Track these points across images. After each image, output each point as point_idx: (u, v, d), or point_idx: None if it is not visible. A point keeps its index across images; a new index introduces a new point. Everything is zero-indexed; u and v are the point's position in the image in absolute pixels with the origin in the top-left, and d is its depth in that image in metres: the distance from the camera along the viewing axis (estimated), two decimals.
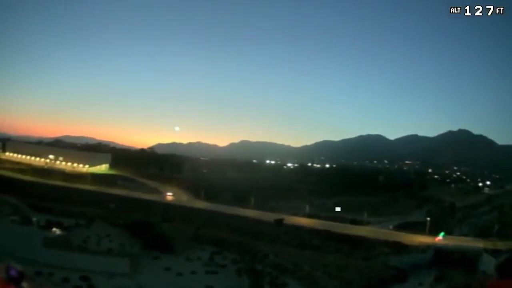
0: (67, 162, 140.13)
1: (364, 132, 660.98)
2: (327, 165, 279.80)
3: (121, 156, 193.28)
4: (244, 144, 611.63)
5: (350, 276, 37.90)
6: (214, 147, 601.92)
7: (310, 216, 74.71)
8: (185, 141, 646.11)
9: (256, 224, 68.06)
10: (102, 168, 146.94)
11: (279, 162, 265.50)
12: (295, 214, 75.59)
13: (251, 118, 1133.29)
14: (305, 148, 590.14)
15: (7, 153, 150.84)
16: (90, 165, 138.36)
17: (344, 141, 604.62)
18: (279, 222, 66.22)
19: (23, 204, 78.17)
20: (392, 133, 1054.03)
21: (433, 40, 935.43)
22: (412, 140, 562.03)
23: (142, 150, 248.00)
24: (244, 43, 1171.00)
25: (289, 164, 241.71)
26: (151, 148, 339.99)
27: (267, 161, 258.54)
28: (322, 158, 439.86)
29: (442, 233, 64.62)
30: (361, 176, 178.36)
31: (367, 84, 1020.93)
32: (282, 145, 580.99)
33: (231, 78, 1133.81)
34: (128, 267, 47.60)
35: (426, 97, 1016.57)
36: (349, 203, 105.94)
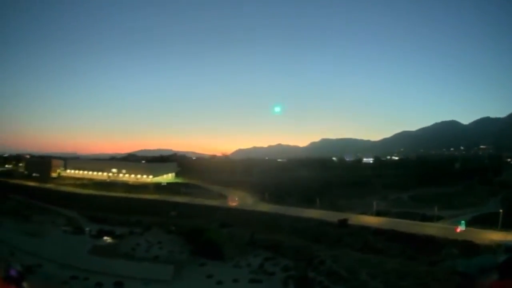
0: (130, 174, 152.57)
1: (438, 119, 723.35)
2: (402, 157, 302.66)
3: (191, 165, 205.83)
4: (324, 142, 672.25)
5: (409, 286, 33.42)
6: (295, 148, 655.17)
7: (379, 213, 68.97)
8: (265, 144, 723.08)
9: (319, 226, 65.61)
10: (168, 177, 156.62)
11: (359, 157, 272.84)
12: (364, 213, 70.27)
13: (330, 116, 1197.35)
14: (385, 141, 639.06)
15: (68, 171, 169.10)
16: (154, 175, 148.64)
17: (421, 130, 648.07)
18: (343, 223, 62.39)
19: (80, 215, 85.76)
20: (466, 117, 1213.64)
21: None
22: (484, 123, 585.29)
23: (213, 156, 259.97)
24: (321, 45, 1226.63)
25: (365, 159, 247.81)
26: (229, 155, 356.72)
27: (347, 158, 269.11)
28: (402, 149, 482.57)
29: None
30: (437, 166, 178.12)
31: (437, 70, 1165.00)
32: (362, 140, 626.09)
33: (309, 79, 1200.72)
34: (170, 274, 48.12)
35: (494, 76, 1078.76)
36: (424, 195, 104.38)
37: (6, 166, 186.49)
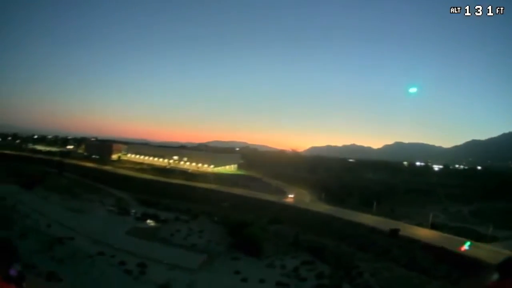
0: (191, 162, 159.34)
1: (506, 129, 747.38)
2: (470, 167, 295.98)
3: (258, 158, 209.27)
4: (397, 145, 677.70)
5: None
6: (368, 149, 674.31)
7: (435, 226, 63.14)
8: (339, 143, 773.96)
9: (369, 233, 62.45)
10: (230, 168, 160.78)
11: (429, 163, 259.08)
12: (420, 224, 64.99)
13: (405, 120, 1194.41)
14: (456, 149, 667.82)
15: (128, 155, 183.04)
16: (215, 166, 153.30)
17: (490, 140, 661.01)
18: (394, 233, 58.56)
19: (131, 198, 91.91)
20: None
21: None
22: None
23: (281, 151, 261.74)
24: (399, 51, 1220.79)
25: (434, 166, 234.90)
26: (301, 152, 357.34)
27: (417, 163, 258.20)
28: (470, 159, 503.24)
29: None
30: (506, 179, 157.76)
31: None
32: (433, 146, 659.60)
33: (384, 82, 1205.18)
34: (198, 264, 49.59)
35: None
36: (485, 211, 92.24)
37: (68, 147, 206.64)
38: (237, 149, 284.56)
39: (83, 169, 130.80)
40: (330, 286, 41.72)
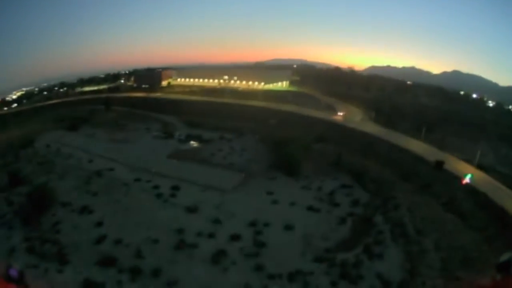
0: (242, 81, 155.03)
1: None
2: None
3: (311, 74, 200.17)
4: (455, 74, 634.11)
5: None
6: (427, 74, 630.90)
7: (482, 167, 54.42)
8: (400, 65, 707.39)
9: (414, 162, 56.23)
10: (282, 85, 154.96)
11: (485, 98, 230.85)
12: (468, 160, 56.90)
13: (464, 49, 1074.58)
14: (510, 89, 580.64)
15: (178, 79, 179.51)
16: (266, 83, 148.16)
17: None
18: (439, 166, 51.99)
19: (179, 121, 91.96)
20: None
21: None
22: None
23: (337, 68, 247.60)
24: None
25: (490, 102, 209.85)
26: (360, 70, 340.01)
27: (474, 95, 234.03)
28: None
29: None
30: None
31: None
32: (490, 82, 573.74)
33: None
34: (233, 184, 48.78)
35: None
36: None
37: (118, 81, 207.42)
38: (295, 66, 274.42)
39: (132, 100, 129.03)
40: (362, 216, 39.23)
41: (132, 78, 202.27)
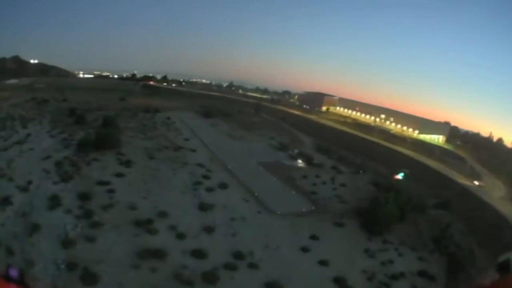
0: (397, 124, 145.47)
1: None
2: None
3: (472, 141, 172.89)
4: None
5: None
6: None
7: None
8: None
9: None
10: (438, 139, 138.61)
11: None
12: None
13: None
14: None
15: (337, 108, 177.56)
16: (421, 132, 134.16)
17: None
18: None
19: (310, 141, 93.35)
20: None
21: None
22: None
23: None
24: None
25: None
26: None
27: None
28: None
29: None
30: None
31: None
32: None
33: None
34: (291, 211, 44.11)
35: None
36: None
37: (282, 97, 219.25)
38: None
39: (283, 113, 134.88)
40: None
41: (296, 96, 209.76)
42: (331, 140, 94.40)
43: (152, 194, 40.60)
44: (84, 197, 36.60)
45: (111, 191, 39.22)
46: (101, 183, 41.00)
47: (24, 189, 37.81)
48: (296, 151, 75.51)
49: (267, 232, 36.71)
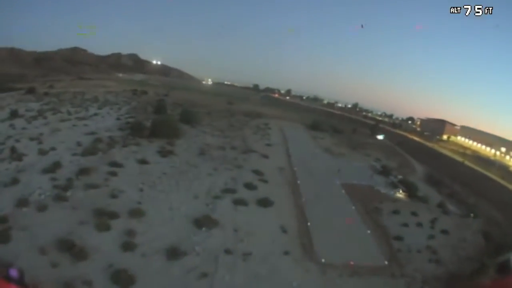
0: None
1: None
2: None
3: None
4: None
5: None
6: None
7: None
8: None
9: None
10: None
11: None
12: None
13: None
14: None
15: (459, 137, 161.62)
16: None
17: None
18: None
19: (421, 170, 77.65)
20: None
21: None
22: None
23: None
24: None
25: None
26: None
27: None
28: None
29: None
30: None
31: None
32: None
33: None
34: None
35: None
36: None
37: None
38: None
39: (401, 138, 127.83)
40: None
41: (418, 122, 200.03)
42: (446, 172, 78.32)
43: (151, 189, 32.27)
44: (81, 172, 32.08)
45: (112, 173, 33.15)
46: (111, 164, 35.61)
47: (42, 153, 38.02)
48: (399, 177, 58.59)
49: None
